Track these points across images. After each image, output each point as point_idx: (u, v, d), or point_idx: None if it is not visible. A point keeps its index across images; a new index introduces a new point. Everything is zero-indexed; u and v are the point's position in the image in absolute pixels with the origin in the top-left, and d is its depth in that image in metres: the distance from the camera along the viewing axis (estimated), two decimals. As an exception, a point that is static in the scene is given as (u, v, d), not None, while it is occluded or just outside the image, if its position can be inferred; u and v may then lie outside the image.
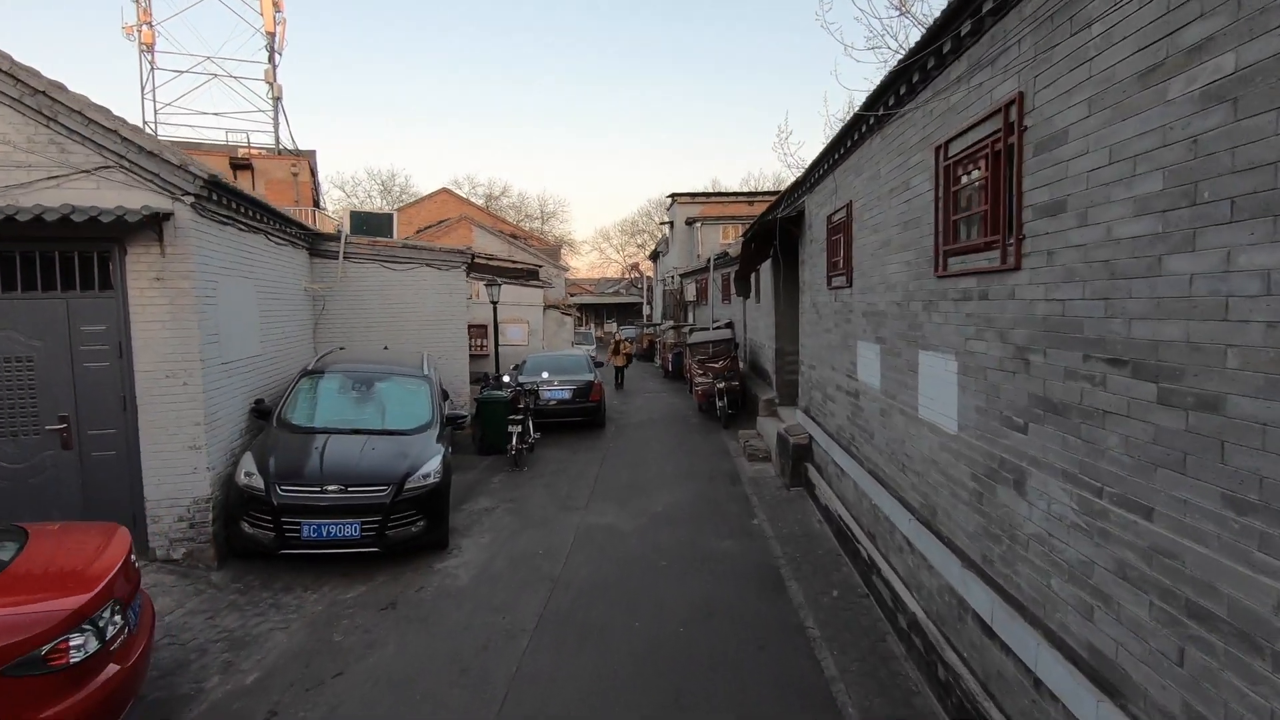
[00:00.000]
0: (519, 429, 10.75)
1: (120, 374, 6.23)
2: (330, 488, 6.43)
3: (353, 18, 78.84)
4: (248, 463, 6.62)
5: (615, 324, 47.76)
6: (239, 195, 7.15)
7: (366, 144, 79.55)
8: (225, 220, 7.14)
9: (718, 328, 17.36)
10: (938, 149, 4.48)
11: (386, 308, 11.61)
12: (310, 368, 8.29)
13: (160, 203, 6.16)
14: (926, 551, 4.72)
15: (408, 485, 6.70)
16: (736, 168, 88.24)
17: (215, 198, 6.69)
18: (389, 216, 12.76)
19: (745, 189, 41.22)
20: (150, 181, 6.17)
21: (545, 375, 13.29)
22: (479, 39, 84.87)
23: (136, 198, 6.10)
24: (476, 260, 19.58)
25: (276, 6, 24.09)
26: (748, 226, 12.58)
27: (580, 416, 13.81)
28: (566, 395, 13.66)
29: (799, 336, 10.45)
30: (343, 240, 11.11)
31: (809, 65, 78.17)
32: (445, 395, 9.50)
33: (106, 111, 6.02)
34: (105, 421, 6.23)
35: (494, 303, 15.55)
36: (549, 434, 13.29)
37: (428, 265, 11.70)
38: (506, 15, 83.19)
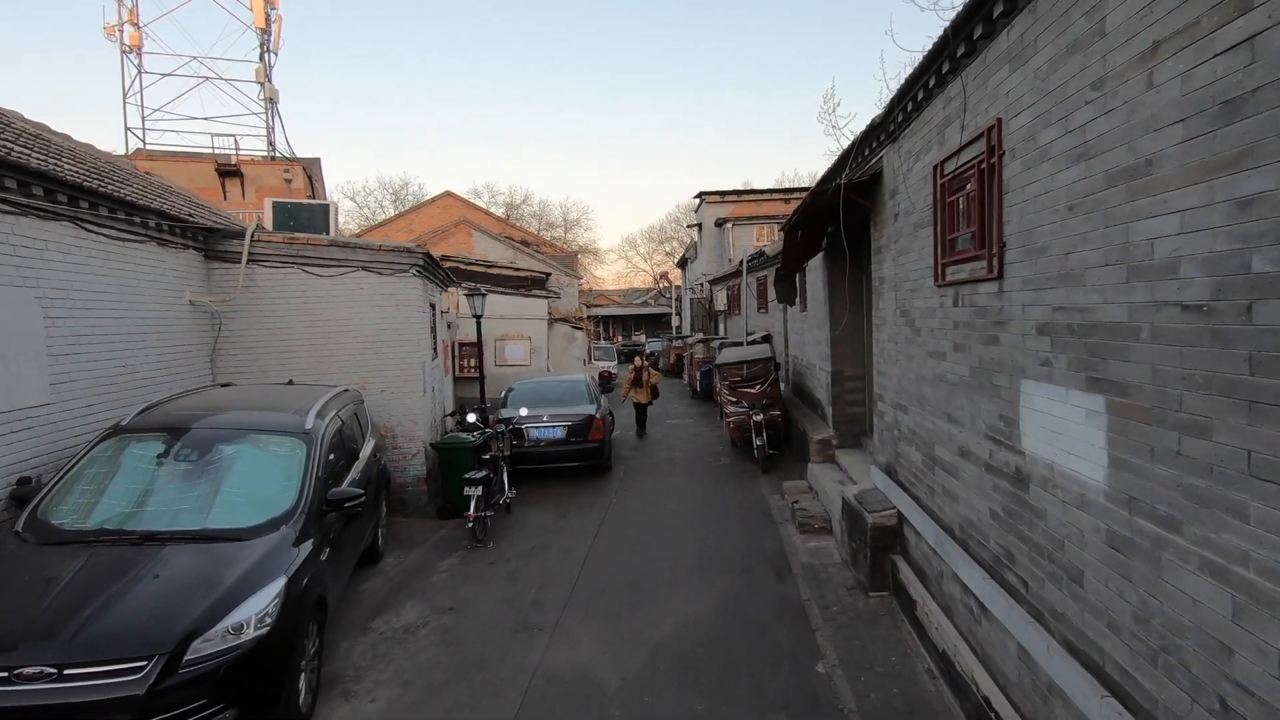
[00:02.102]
0: (478, 490, 7.71)
1: None
2: (27, 670, 3.43)
3: (369, 24, 77.86)
4: (-97, 616, 3.71)
5: (644, 335, 44.48)
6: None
7: (383, 155, 78.10)
8: (-67, 191, 4.32)
9: (753, 343, 14.15)
10: None
11: (312, 326, 8.75)
12: (123, 424, 5.39)
13: None
14: None
15: (194, 653, 3.68)
16: (769, 169, 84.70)
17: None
18: (323, 208, 9.89)
19: (780, 187, 37.77)
20: None
21: (524, 411, 10.16)
22: (501, 44, 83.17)
23: None
24: (454, 264, 16.73)
25: (270, 3, 22.23)
26: (785, 223, 9.38)
27: (577, 461, 10.68)
28: (559, 434, 10.56)
29: (871, 358, 7.26)
30: (246, 238, 8.29)
31: (850, 62, 74.48)
32: (354, 457, 6.51)
33: None
34: None
35: (477, 316, 12.64)
36: (536, 484, 10.25)
37: (364, 269, 8.81)
38: (529, 16, 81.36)
